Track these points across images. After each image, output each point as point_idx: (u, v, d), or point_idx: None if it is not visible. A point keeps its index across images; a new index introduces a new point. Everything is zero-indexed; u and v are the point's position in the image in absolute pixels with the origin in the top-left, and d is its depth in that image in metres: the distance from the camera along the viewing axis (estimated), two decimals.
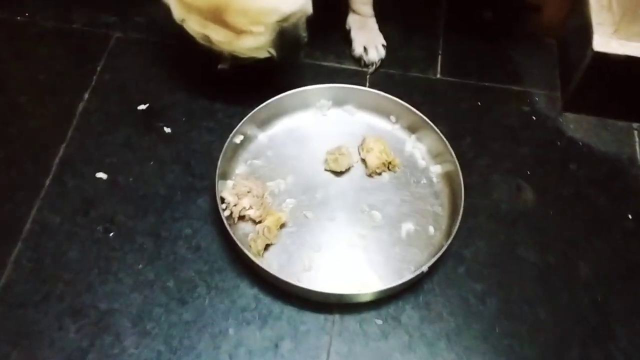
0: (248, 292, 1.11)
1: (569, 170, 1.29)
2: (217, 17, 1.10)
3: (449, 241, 1.11)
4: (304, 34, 1.16)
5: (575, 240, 1.20)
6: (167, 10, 1.18)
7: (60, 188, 1.21)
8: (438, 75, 1.41)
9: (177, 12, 1.14)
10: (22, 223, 1.16)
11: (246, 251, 1.09)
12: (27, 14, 1.46)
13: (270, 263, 1.12)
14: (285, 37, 1.13)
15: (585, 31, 1.29)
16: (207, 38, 1.15)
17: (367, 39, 1.42)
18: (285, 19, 1.11)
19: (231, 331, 1.07)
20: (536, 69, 1.43)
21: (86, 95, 1.34)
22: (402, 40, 1.46)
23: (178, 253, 1.15)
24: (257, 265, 1.08)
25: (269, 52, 1.15)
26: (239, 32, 1.10)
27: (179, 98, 1.34)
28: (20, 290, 1.10)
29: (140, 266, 1.13)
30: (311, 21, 1.35)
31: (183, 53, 1.39)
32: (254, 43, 1.12)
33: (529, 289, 1.14)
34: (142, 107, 1.32)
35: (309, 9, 1.16)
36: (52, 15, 1.46)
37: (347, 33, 1.44)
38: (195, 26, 1.14)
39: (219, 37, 1.13)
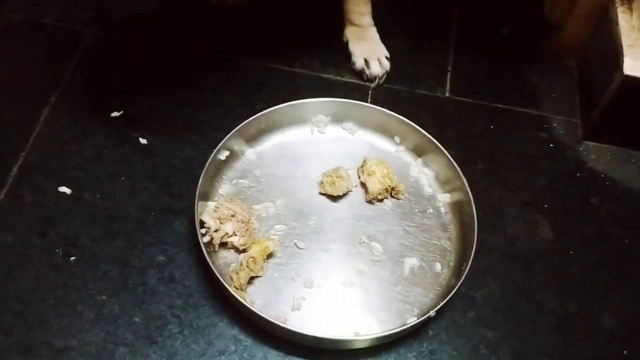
0: (227, 332, 0.99)
1: (590, 206, 1.18)
2: None
3: (460, 281, 0.99)
4: None
5: (599, 286, 1.09)
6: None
7: (15, 203, 1.08)
8: (447, 94, 1.30)
9: None
10: None
11: (226, 285, 0.97)
12: None
13: (254, 299, 1.01)
14: None
15: (612, 53, 1.18)
16: None
17: (368, 51, 1.31)
18: None
19: None
20: (554, 92, 1.33)
21: (53, 98, 1.21)
22: (408, 54, 1.35)
23: (148, 284, 1.02)
24: (239, 302, 0.96)
25: None
26: None
27: (158, 106, 1.22)
28: None
29: (104, 297, 1.00)
30: (309, 27, 1.25)
31: (166, 56, 1.28)
32: None
33: (547, 339, 1.03)
34: (115, 114, 1.20)
35: None
36: (20, 6, 1.34)
37: (345, 46, 1.32)
38: None
39: None
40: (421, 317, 0.98)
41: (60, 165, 1.12)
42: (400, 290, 1.04)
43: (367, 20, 1.30)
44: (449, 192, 1.13)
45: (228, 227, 1.03)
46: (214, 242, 1.02)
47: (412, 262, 1.06)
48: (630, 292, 1.08)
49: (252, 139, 1.15)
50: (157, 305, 1.00)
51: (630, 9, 1.21)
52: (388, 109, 1.17)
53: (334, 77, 1.30)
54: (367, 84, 1.29)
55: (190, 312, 1.00)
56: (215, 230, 1.02)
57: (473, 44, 1.38)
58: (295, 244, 1.07)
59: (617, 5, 1.21)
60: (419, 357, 0.99)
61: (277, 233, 1.07)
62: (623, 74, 1.14)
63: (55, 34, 1.30)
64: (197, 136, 1.18)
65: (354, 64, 1.30)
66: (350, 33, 1.32)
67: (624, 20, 1.20)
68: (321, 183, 1.12)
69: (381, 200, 1.12)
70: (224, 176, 1.12)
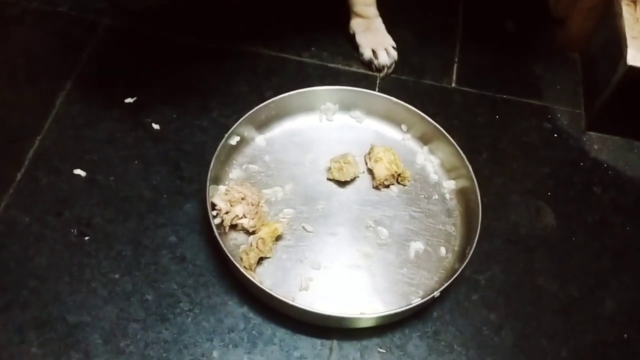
0: (237, 310, 1.02)
1: (593, 194, 1.20)
2: None
3: (464, 265, 1.01)
4: None
5: (600, 271, 1.11)
6: None
7: (32, 184, 1.11)
8: (453, 85, 1.32)
9: None
10: None
11: (237, 264, 0.99)
12: None
13: (263, 279, 1.03)
14: None
15: (616, 45, 1.20)
16: None
17: (375, 42, 1.33)
18: None
19: (215, 354, 0.98)
20: (558, 83, 1.35)
21: (68, 85, 1.24)
22: (416, 46, 1.38)
23: (160, 263, 1.05)
24: (249, 281, 0.98)
25: None
26: None
27: (170, 93, 1.24)
28: None
29: (117, 276, 1.03)
30: (318, 18, 1.27)
31: (177, 44, 1.30)
32: None
33: (549, 322, 1.05)
34: (129, 100, 1.22)
35: None
36: None
37: (352, 38, 1.34)
38: None
39: None
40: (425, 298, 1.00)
41: (75, 149, 1.15)
42: (406, 273, 1.06)
43: (372, 11, 1.32)
44: (454, 179, 1.15)
45: (238, 210, 1.05)
46: (224, 223, 1.04)
47: (417, 246, 1.08)
48: (630, 278, 1.10)
49: (262, 125, 1.17)
50: (168, 284, 1.02)
51: (634, 1, 1.23)
52: (395, 98, 1.19)
53: (342, 67, 1.32)
54: (375, 74, 1.31)
55: (200, 291, 1.02)
56: (226, 213, 1.05)
57: (479, 36, 1.41)
58: (303, 227, 1.09)
59: None
60: (423, 337, 1.02)
61: (286, 216, 1.09)
62: (626, 64, 1.16)
63: (69, 23, 1.32)
64: (208, 122, 1.21)
65: (361, 55, 1.32)
66: (356, 25, 1.34)
67: (628, 12, 1.22)
68: (329, 169, 1.14)
69: (387, 186, 1.15)
70: (234, 161, 1.14)
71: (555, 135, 1.27)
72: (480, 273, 1.08)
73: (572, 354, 1.02)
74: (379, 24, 1.34)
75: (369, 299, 1.03)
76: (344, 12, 1.35)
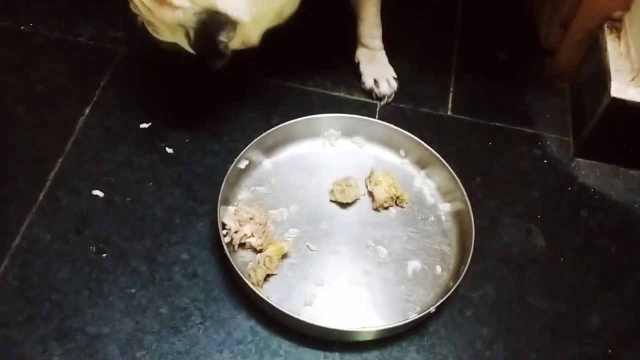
0: (245, 323, 1.08)
1: (580, 218, 1.26)
2: None
3: (458, 282, 1.08)
4: (224, 43, 1.06)
5: (587, 290, 1.17)
6: None
7: (53, 204, 1.17)
8: (449, 113, 1.39)
9: None
10: (11, 238, 1.12)
11: (245, 280, 1.05)
12: (31, 24, 1.44)
13: (270, 295, 1.09)
14: (205, 32, 1.05)
15: (601, 77, 1.28)
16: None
17: (377, 72, 1.40)
18: (213, 12, 1.04)
19: None
20: (548, 112, 1.42)
21: (87, 110, 1.31)
22: (413, 76, 1.45)
23: (173, 279, 1.11)
24: (256, 296, 1.04)
25: (186, 37, 1.07)
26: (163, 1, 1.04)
27: (183, 119, 1.31)
28: (3, 309, 1.05)
29: (133, 290, 1.09)
30: (322, 49, 1.33)
31: (190, 73, 1.36)
32: (172, 18, 1.05)
33: (538, 337, 1.11)
34: (144, 125, 1.29)
35: (245, 25, 1.08)
36: (57, 26, 1.44)
37: (356, 66, 1.42)
38: None
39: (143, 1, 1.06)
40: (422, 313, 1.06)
41: (93, 171, 1.21)
42: (403, 290, 1.12)
43: (377, 43, 1.40)
44: (449, 201, 1.22)
45: (247, 229, 1.12)
46: (233, 242, 1.11)
47: (414, 264, 1.15)
48: (615, 296, 1.16)
49: (269, 150, 1.24)
50: (181, 299, 1.08)
51: (619, 36, 1.31)
52: (394, 125, 1.27)
53: (345, 95, 1.39)
54: (375, 102, 1.39)
55: (211, 305, 1.08)
56: (235, 232, 1.11)
57: (473, 67, 1.48)
58: (307, 246, 1.15)
59: (606, 33, 1.31)
60: (419, 351, 1.08)
61: (291, 236, 1.16)
62: (610, 96, 1.23)
63: (88, 52, 1.40)
64: (218, 147, 1.27)
65: (363, 83, 1.40)
66: (361, 55, 1.41)
67: (612, 47, 1.29)
68: (332, 191, 1.21)
69: (387, 208, 1.21)
70: (242, 183, 1.21)
71: (545, 161, 1.34)
72: (473, 291, 1.14)
73: None
74: (382, 56, 1.41)
75: (368, 314, 1.09)
76: (346, 45, 1.42)
